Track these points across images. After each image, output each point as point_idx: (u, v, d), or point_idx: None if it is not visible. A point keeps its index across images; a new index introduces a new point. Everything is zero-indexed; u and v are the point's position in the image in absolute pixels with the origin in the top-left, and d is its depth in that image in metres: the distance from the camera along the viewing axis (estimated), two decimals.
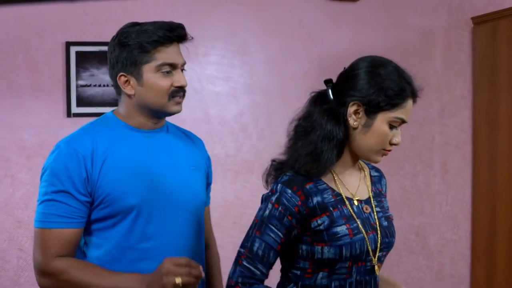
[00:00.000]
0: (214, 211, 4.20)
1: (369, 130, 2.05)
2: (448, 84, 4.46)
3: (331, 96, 2.10)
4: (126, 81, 2.22)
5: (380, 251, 2.09)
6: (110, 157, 2.18)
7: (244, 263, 2.02)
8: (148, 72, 2.20)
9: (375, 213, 2.13)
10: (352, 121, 2.06)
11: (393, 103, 2.03)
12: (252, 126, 4.24)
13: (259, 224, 2.04)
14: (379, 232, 2.10)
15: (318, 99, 2.15)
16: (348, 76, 2.10)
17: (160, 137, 2.33)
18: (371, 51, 4.39)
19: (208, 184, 2.55)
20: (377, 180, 2.27)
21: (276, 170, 2.17)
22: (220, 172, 4.19)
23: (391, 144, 2.07)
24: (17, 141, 3.94)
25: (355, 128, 2.07)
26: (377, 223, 2.11)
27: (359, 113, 2.05)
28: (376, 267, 2.09)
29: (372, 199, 2.17)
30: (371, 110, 2.04)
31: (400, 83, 2.04)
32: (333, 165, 2.09)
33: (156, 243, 2.22)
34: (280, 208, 2.02)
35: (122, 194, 2.17)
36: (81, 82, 3.95)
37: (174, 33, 2.21)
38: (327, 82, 2.14)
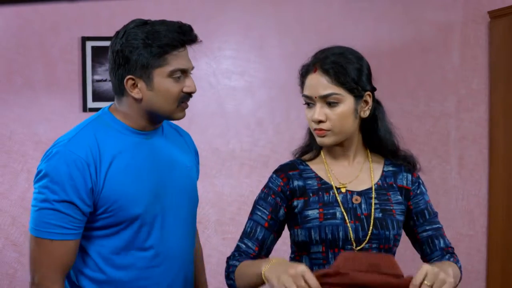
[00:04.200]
0: (229, 206, 4.23)
1: None
2: (465, 78, 4.44)
3: None
4: (134, 84, 2.10)
5: (367, 242, 2.08)
6: (113, 165, 2.09)
7: (237, 243, 2.20)
8: (160, 76, 2.09)
9: (368, 205, 2.12)
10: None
11: (301, 85, 2.16)
12: (268, 121, 4.23)
13: (252, 209, 2.23)
14: (365, 223, 2.09)
15: None
16: None
17: (157, 138, 2.25)
18: (389, 45, 4.43)
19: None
20: (391, 174, 2.21)
21: None
22: (236, 166, 4.20)
23: (313, 121, 2.10)
24: (33, 136, 3.96)
25: None
26: (367, 214, 2.10)
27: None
28: None
29: (373, 191, 2.15)
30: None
31: (303, 66, 2.16)
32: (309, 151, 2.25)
33: (158, 251, 2.19)
34: (265, 190, 2.21)
35: (126, 203, 2.09)
36: (97, 77, 3.96)
37: (187, 37, 2.11)
38: None
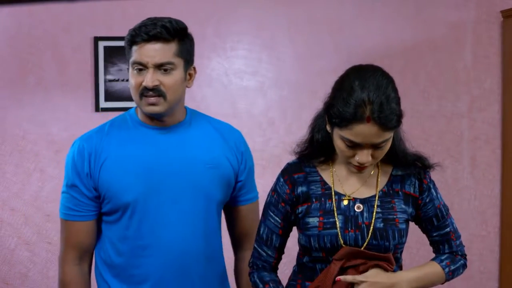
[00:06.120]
0: None
1: (333, 140, 2.05)
2: (477, 78, 4.42)
3: None
4: None
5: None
6: (112, 156, 2.25)
7: (255, 245, 2.25)
8: (130, 67, 2.23)
9: (370, 214, 2.09)
10: (327, 126, 2.07)
11: (337, 122, 1.97)
12: (279, 121, 4.23)
13: (264, 211, 2.24)
14: (365, 232, 2.06)
15: None
16: None
17: (177, 133, 2.32)
18: (400, 45, 4.43)
19: (237, 182, 2.46)
20: (399, 179, 2.17)
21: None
22: None
23: (360, 163, 2.00)
24: (46, 135, 3.97)
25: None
26: (368, 223, 2.08)
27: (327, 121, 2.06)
28: None
29: (376, 199, 2.12)
30: (328, 121, 2.04)
31: (345, 105, 1.94)
32: (314, 159, 2.18)
33: (150, 241, 2.26)
34: (275, 196, 2.20)
35: (118, 191, 2.24)
36: (109, 77, 3.97)
37: (143, 31, 2.17)
38: None
